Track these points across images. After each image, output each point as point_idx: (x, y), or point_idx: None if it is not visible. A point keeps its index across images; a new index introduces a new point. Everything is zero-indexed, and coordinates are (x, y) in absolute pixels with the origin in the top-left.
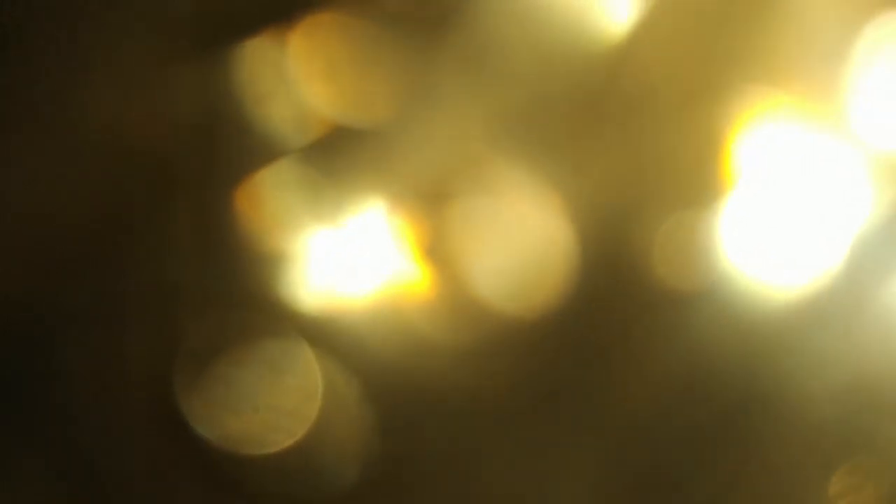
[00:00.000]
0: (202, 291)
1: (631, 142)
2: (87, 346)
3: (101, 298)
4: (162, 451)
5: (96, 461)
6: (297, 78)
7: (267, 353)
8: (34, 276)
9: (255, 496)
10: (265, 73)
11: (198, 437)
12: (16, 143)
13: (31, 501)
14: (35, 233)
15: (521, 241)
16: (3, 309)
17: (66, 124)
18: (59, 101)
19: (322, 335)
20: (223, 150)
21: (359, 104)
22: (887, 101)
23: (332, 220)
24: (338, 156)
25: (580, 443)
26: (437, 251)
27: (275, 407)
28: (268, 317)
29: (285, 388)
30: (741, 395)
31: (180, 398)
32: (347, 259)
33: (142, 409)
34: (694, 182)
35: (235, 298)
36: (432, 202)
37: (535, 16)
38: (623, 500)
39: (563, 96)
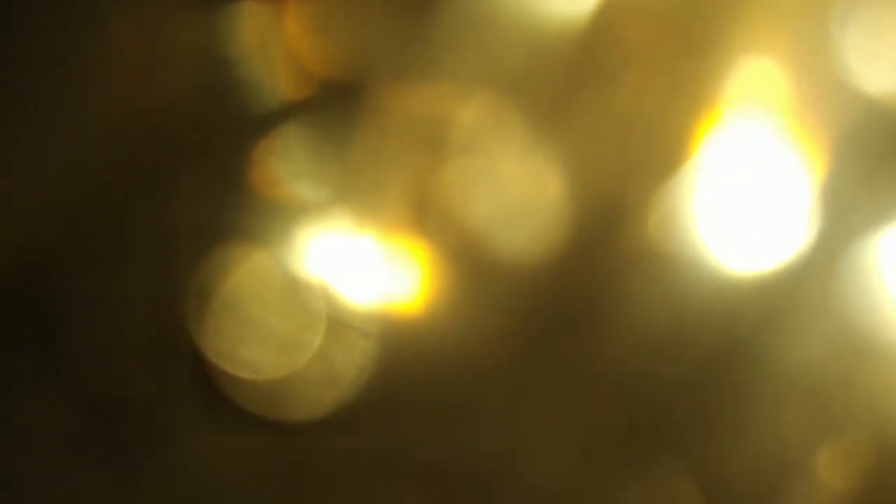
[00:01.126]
0: (208, 233)
1: (618, 103)
2: (100, 283)
3: (112, 240)
4: (169, 380)
5: (104, 390)
6: (293, 35)
7: (272, 288)
8: (48, 224)
9: (255, 418)
10: (262, 30)
11: (203, 364)
12: (24, 101)
13: (46, 427)
14: (47, 185)
15: (511, 197)
16: (19, 254)
17: (72, 80)
18: (63, 59)
19: (323, 277)
20: (223, 105)
21: (354, 61)
22: (867, 68)
23: (328, 171)
24: (334, 111)
25: (567, 390)
26: (431, 205)
27: (278, 337)
28: (272, 256)
29: (289, 321)
30: (722, 346)
31: (189, 329)
32: (344, 208)
33: (151, 341)
34: (677, 145)
35: (240, 239)
36: (426, 157)
37: None
38: (607, 446)
39: (553, 56)
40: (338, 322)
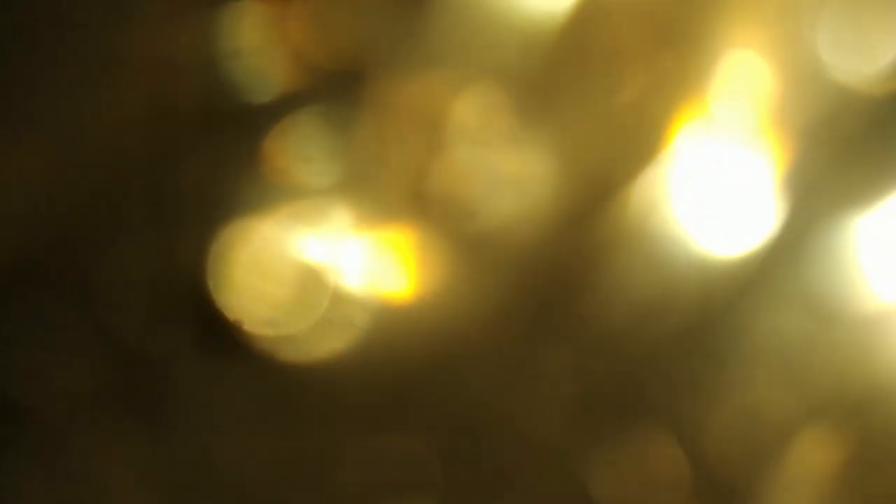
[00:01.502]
0: (213, 217)
1: (605, 92)
2: (128, 248)
3: (140, 210)
4: (189, 336)
5: (126, 348)
6: (294, 26)
7: (273, 271)
8: (77, 194)
9: (264, 364)
10: (264, 21)
11: (222, 322)
12: (25, 101)
13: (75, 375)
14: (74, 160)
15: (506, 180)
16: (51, 224)
17: (71, 80)
18: (63, 59)
19: (323, 261)
20: (226, 95)
21: (354, 51)
22: (836, 56)
23: (329, 158)
24: (334, 100)
25: (554, 354)
26: (428, 189)
27: (277, 321)
28: (274, 241)
29: (289, 304)
30: (700, 316)
31: (212, 292)
32: (344, 193)
33: (172, 299)
34: (658, 132)
35: (242, 223)
36: (423, 144)
37: None
38: (591, 406)
39: (545, 46)
40: (336, 305)
